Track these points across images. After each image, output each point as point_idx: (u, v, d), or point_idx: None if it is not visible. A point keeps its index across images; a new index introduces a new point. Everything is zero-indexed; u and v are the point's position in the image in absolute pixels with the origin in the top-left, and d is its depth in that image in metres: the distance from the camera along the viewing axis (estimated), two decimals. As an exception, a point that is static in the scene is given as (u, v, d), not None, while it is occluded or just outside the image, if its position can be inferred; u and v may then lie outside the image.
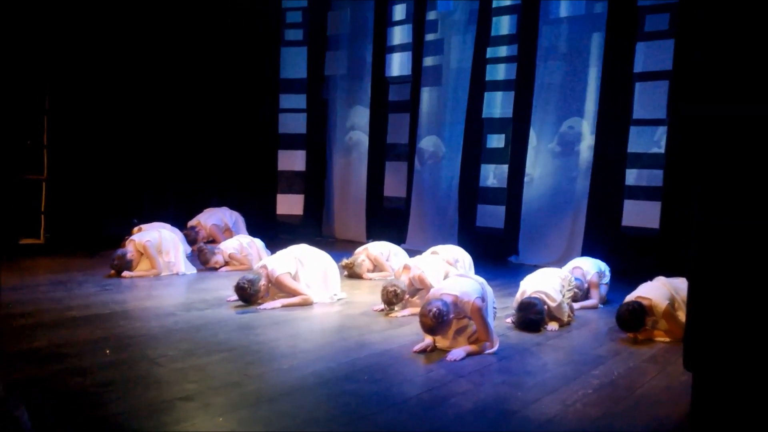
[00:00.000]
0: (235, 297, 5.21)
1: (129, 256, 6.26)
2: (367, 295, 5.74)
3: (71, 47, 7.99)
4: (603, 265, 5.85)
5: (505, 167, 8.37)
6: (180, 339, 4.20)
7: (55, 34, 7.84)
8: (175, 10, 8.82)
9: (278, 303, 5.18)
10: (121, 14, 8.29)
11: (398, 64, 9.36)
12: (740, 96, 2.99)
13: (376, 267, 6.78)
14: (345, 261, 6.65)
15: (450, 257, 6.08)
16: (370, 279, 6.57)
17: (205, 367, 3.59)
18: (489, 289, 4.32)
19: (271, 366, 3.70)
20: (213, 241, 8.08)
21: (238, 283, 5.14)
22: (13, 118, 7.68)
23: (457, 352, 3.95)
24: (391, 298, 5.05)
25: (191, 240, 7.78)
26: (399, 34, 9.34)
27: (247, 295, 5.10)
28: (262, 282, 5.18)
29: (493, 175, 8.51)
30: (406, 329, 4.62)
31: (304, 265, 5.40)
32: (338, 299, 5.53)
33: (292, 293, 5.26)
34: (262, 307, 5.10)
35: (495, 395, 3.38)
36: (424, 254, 6.04)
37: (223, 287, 5.84)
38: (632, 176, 7.39)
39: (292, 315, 4.97)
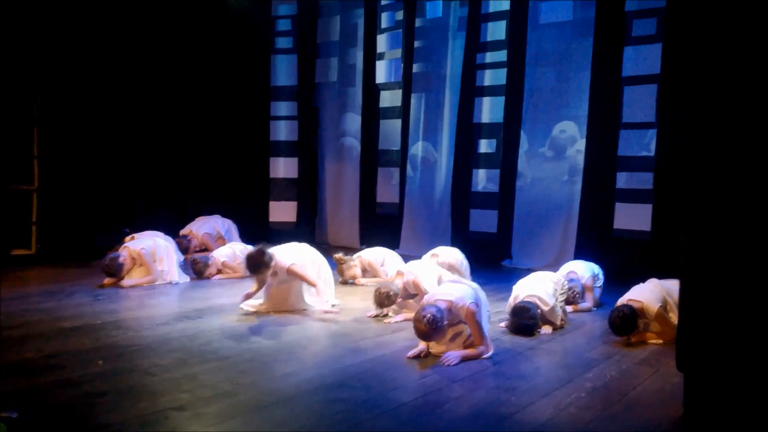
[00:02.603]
0: (247, 305, 5.23)
1: (121, 260, 6.24)
2: (360, 302, 5.72)
3: (61, 57, 7.95)
4: (596, 268, 5.88)
5: (497, 172, 8.40)
6: (172, 348, 4.18)
7: (45, 45, 7.81)
8: (166, 20, 8.82)
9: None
10: (111, 24, 8.28)
11: (388, 71, 9.37)
12: (724, 101, 3.02)
13: (368, 272, 6.78)
14: (338, 255, 6.65)
15: (452, 259, 6.12)
16: (363, 285, 6.56)
17: (197, 377, 3.57)
18: (482, 294, 4.33)
19: (264, 374, 3.69)
20: (205, 249, 8.06)
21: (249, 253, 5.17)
22: (2, 129, 7.64)
23: (452, 356, 3.95)
24: (383, 300, 5.05)
25: (183, 248, 7.75)
26: (389, 41, 9.36)
27: (259, 263, 5.02)
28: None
29: (485, 179, 8.53)
30: (399, 335, 4.62)
31: (306, 261, 5.42)
32: (332, 305, 5.51)
33: (305, 280, 5.26)
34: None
35: (488, 400, 3.38)
36: (423, 257, 6.04)
37: (216, 296, 5.83)
38: (623, 179, 7.43)
39: (284, 322, 4.96)
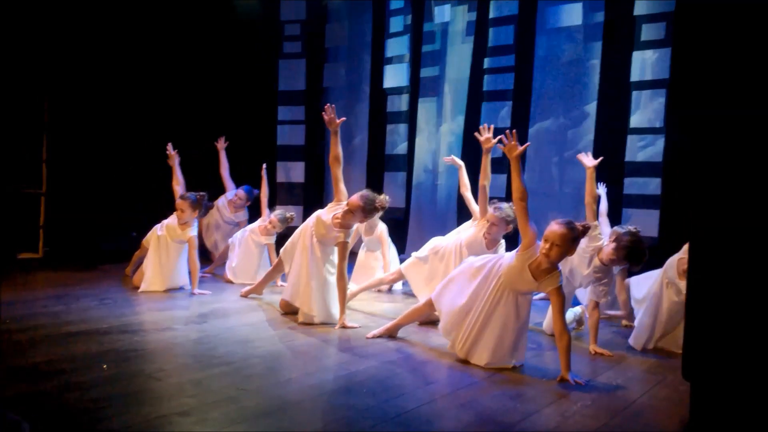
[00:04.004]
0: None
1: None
2: (367, 307, 5.75)
3: (70, 61, 8.01)
4: None
5: (504, 177, 8.37)
6: (177, 353, 4.19)
7: (54, 48, 7.86)
8: (174, 24, 8.86)
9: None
10: (120, 28, 8.33)
11: (396, 76, 9.38)
12: (735, 99, 3.00)
13: (373, 242, 6.87)
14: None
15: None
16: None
17: (202, 382, 3.57)
18: None
19: (269, 380, 3.68)
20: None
21: None
22: (11, 132, 7.69)
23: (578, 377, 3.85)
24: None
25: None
26: (397, 46, 9.37)
27: None
28: None
29: (492, 185, 8.48)
30: (405, 341, 4.60)
31: None
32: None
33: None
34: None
35: (494, 407, 3.36)
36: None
37: (220, 301, 5.84)
38: (630, 185, 7.39)
39: (290, 328, 4.96)
